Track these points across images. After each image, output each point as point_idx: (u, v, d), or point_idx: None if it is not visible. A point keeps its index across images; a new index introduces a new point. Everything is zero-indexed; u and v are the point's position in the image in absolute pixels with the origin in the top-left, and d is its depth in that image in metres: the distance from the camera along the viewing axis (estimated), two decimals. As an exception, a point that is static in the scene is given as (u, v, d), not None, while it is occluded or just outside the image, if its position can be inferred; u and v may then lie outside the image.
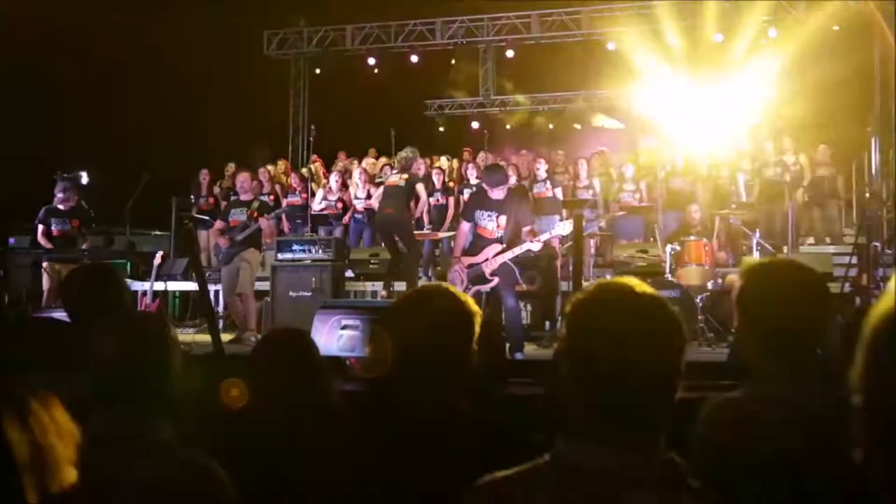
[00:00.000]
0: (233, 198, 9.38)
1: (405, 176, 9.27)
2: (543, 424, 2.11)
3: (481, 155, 12.56)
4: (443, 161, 13.08)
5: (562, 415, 2.17)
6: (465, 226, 6.99)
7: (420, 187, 9.60)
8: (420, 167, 10.77)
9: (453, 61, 16.38)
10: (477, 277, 6.76)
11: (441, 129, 17.21)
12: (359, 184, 11.51)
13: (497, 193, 6.81)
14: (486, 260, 6.74)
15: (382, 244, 9.96)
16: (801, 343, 1.75)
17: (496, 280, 6.72)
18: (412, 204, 9.92)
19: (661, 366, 1.30)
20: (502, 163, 10.37)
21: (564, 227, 7.07)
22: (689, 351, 1.36)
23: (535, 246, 6.77)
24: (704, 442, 1.68)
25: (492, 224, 6.79)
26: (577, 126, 17.06)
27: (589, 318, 1.34)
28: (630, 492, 1.21)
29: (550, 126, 17.30)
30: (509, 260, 6.76)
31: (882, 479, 0.92)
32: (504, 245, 6.75)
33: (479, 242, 6.86)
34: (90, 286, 2.99)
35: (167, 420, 1.92)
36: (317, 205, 11.61)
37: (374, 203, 10.15)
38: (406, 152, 9.53)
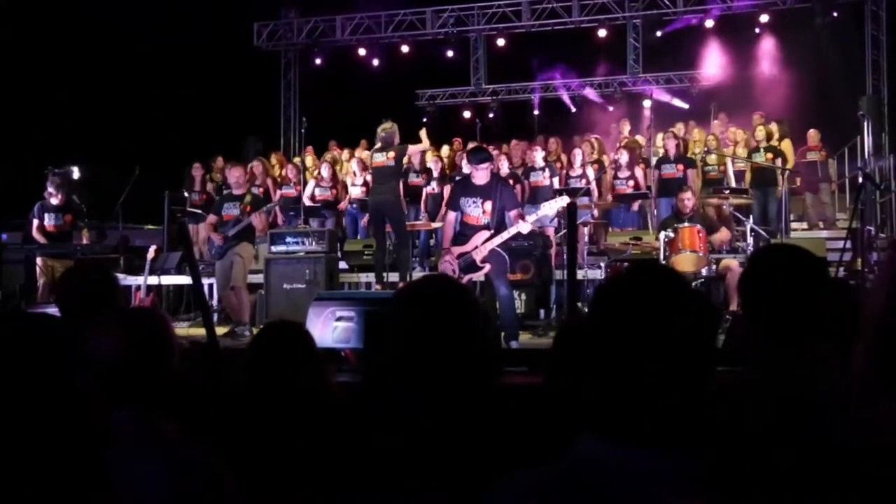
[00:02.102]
0: (225, 192, 9.34)
1: (391, 154, 9.16)
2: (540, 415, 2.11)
3: (472, 145, 12.52)
4: (444, 150, 13.03)
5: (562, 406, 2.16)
6: (452, 216, 6.89)
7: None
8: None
9: (451, 53, 16.30)
10: (468, 266, 6.70)
11: (424, 120, 17.13)
12: (356, 171, 11.46)
13: (481, 178, 6.73)
14: (476, 247, 6.69)
15: (373, 233, 9.85)
16: (800, 326, 1.75)
17: (488, 267, 6.66)
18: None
19: (687, 353, 1.24)
20: (494, 151, 10.32)
21: (551, 207, 7.03)
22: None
23: (525, 227, 6.62)
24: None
25: (477, 210, 6.72)
26: (574, 109, 17.01)
27: (617, 304, 1.29)
28: (659, 493, 1.18)
29: (536, 112, 17.27)
30: (499, 247, 6.70)
31: None
32: (492, 231, 6.68)
33: (466, 231, 6.78)
34: (81, 283, 2.99)
35: (167, 416, 1.91)
36: (307, 197, 11.55)
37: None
38: (384, 129, 9.28)
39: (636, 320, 1.24)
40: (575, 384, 2.25)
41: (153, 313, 2.22)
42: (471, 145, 12.32)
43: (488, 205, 6.69)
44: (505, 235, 6.66)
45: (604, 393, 1.27)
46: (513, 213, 6.75)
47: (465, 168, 10.98)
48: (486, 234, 6.68)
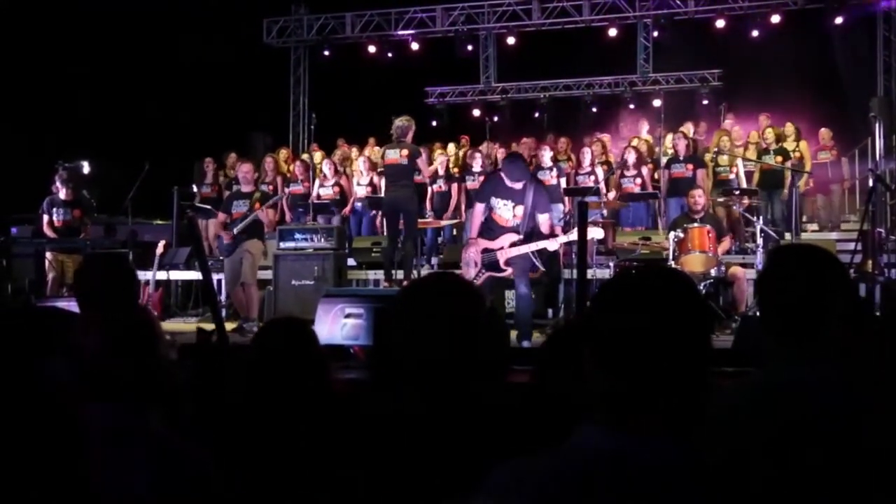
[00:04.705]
0: (235, 188, 9.35)
1: (405, 152, 9.16)
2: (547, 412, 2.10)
3: (484, 145, 12.52)
4: (450, 148, 13.02)
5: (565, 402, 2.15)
6: (480, 207, 6.86)
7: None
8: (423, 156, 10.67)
9: (461, 51, 16.26)
10: (492, 264, 6.68)
11: (434, 123, 17.10)
12: (362, 171, 11.47)
13: (515, 184, 6.68)
14: (502, 248, 6.66)
15: (386, 229, 9.84)
16: (816, 326, 1.73)
17: (510, 270, 6.64)
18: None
19: (689, 349, 1.26)
20: (502, 149, 10.30)
21: (551, 245, 6.83)
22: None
23: (552, 245, 6.68)
24: (717, 427, 1.67)
25: (508, 213, 6.68)
26: (594, 109, 16.95)
27: (617, 299, 1.31)
28: (657, 480, 1.19)
29: (537, 113, 17.23)
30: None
31: None
32: (521, 235, 6.64)
33: (494, 228, 6.73)
34: (101, 276, 2.98)
35: (160, 412, 1.90)
36: (315, 196, 11.56)
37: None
38: (401, 121, 9.29)
39: (636, 319, 1.26)
40: (565, 382, 2.25)
41: (138, 308, 2.22)
42: (484, 146, 12.31)
43: (520, 209, 6.65)
44: (532, 247, 6.61)
45: (608, 386, 1.28)
46: (544, 220, 6.71)
47: (476, 167, 11.01)
48: (514, 237, 6.65)
